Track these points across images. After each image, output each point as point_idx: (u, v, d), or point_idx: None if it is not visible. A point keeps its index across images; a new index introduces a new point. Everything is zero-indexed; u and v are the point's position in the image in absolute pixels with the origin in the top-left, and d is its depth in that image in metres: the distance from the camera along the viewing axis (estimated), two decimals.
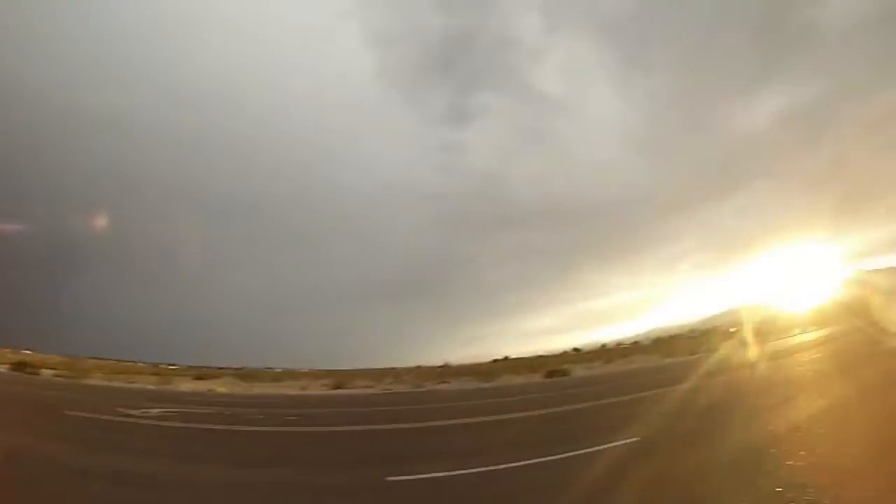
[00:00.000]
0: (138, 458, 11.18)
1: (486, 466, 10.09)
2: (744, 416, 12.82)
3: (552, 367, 54.00)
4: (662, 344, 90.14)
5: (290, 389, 46.35)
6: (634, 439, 11.30)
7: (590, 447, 10.99)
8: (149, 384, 42.51)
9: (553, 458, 10.50)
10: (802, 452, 8.49)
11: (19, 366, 38.44)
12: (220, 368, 78.59)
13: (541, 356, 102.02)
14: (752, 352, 39.57)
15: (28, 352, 47.41)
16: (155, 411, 20.33)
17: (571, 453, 10.72)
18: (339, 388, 46.84)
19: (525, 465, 10.11)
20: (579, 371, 50.85)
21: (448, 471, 9.97)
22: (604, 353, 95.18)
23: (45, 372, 39.45)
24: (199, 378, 52.53)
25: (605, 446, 10.90)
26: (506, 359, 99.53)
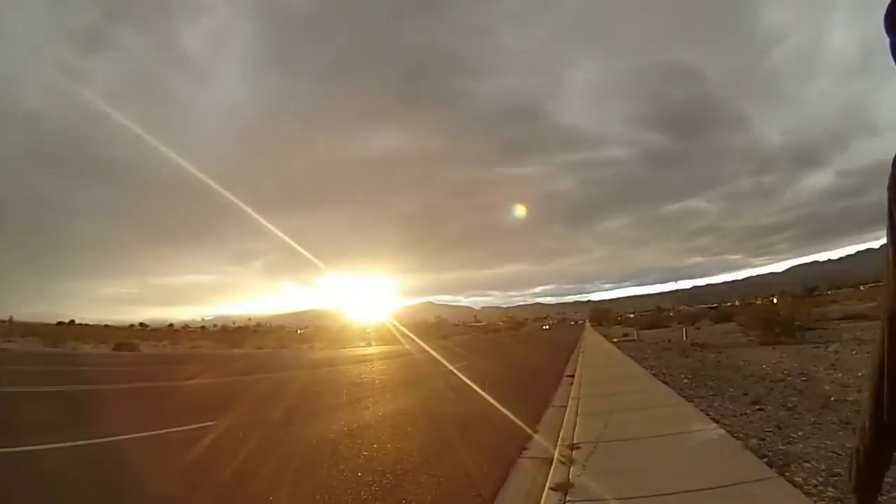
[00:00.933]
0: None
1: (69, 441, 9.09)
2: (317, 412, 13.38)
3: (120, 339, 52.44)
4: (230, 333, 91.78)
5: None
6: (210, 423, 10.96)
7: (167, 428, 10.63)
8: None
9: (131, 436, 9.82)
10: (375, 445, 9.11)
11: None
12: None
13: (108, 326, 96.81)
14: (323, 354, 42.05)
15: None
16: None
17: (144, 434, 10.11)
18: None
19: (104, 443, 9.33)
20: (147, 348, 49.54)
21: (34, 445, 8.80)
22: (171, 333, 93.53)
23: None
24: None
25: (180, 428, 10.62)
26: (72, 323, 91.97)
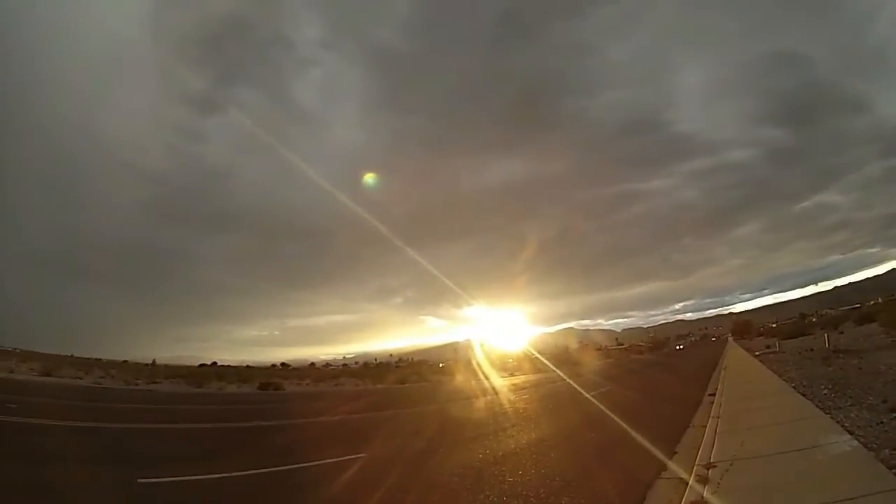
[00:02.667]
0: None
1: (230, 472, 10.10)
2: (462, 441, 13.95)
3: (264, 379, 53.62)
4: (371, 369, 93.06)
5: None
6: (361, 455, 11.81)
7: (320, 460, 11.43)
8: None
9: (288, 467, 10.77)
10: (519, 471, 9.70)
11: None
12: None
13: (250, 366, 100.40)
14: (465, 385, 42.48)
15: None
16: None
17: (304, 464, 11.11)
18: (47, 374, 42.66)
19: (263, 473, 10.21)
20: (290, 386, 50.95)
21: (200, 474, 9.80)
22: (313, 371, 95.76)
23: None
24: None
25: (335, 460, 11.33)
26: (214, 364, 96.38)
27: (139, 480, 8.99)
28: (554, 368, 56.18)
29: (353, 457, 11.57)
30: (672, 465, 9.12)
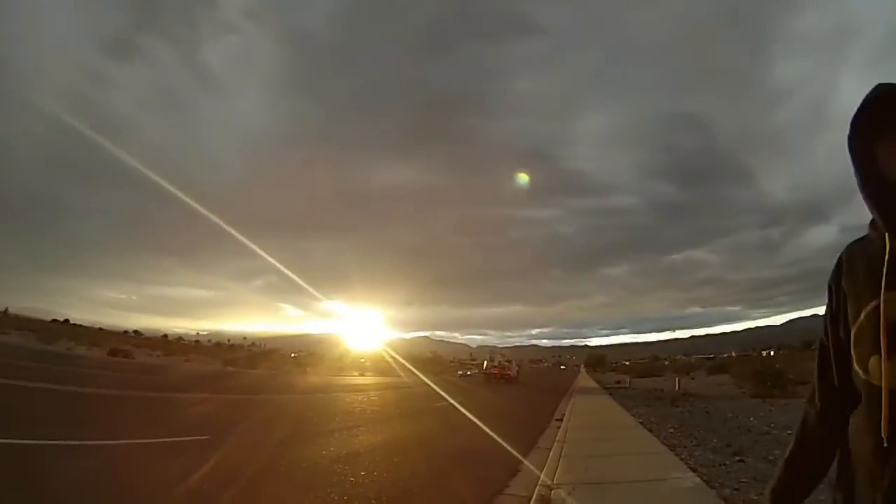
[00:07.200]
0: None
1: (55, 440, 9.27)
2: (307, 437, 13.47)
3: (115, 345, 52.65)
4: (224, 350, 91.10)
5: None
6: (206, 437, 11.29)
7: (161, 438, 10.91)
8: None
9: (123, 442, 10.05)
10: (363, 472, 9.31)
11: None
12: None
13: (102, 329, 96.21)
14: (312, 379, 41.82)
15: None
16: None
17: (144, 440, 10.45)
18: None
19: (104, 445, 9.57)
20: (140, 356, 49.40)
21: (23, 439, 9.01)
22: (165, 344, 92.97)
23: None
24: None
25: (178, 439, 10.89)
26: (66, 322, 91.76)
27: None
28: (406, 373, 56.70)
29: (198, 438, 11.14)
30: (515, 483, 9.03)
